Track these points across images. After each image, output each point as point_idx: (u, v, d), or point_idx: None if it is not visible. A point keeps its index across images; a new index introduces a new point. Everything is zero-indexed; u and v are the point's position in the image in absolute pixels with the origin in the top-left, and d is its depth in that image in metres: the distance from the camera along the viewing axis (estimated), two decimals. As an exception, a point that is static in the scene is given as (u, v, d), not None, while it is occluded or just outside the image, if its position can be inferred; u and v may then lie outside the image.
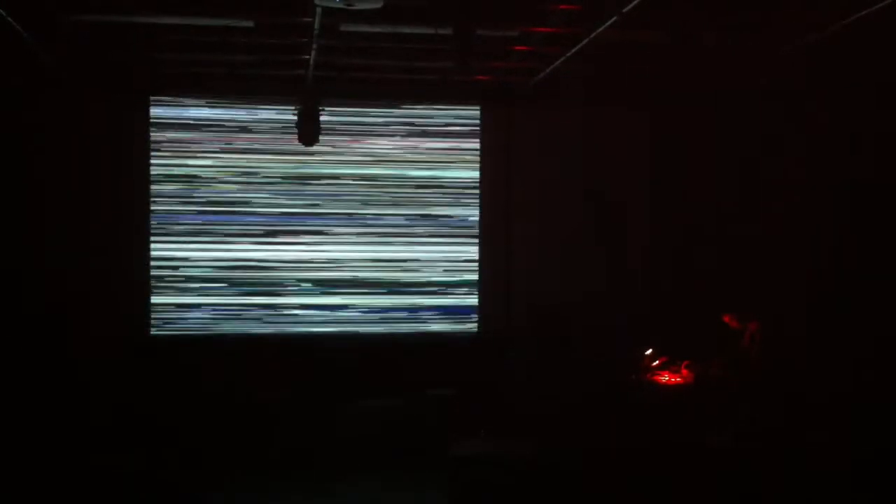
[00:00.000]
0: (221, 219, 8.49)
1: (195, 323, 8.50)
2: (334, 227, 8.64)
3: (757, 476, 5.82)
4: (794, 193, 7.41)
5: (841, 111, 6.78)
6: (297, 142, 8.03)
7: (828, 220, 7.04)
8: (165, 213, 8.40)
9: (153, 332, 8.41)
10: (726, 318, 6.90)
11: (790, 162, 7.43)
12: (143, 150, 8.30)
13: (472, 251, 8.84)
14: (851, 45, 6.24)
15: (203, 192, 8.45)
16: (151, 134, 8.31)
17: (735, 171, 8.16)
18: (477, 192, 8.80)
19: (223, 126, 8.44)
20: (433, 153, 8.74)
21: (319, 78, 7.81)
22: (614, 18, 5.78)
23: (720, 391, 6.58)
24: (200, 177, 8.43)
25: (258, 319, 8.59)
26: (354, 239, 8.67)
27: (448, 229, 8.82)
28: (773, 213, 7.73)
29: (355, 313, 8.72)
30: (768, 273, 7.62)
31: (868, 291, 6.51)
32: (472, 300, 8.86)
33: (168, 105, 8.35)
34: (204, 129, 8.41)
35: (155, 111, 8.31)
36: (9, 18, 5.98)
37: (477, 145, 8.77)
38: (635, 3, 5.42)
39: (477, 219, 8.82)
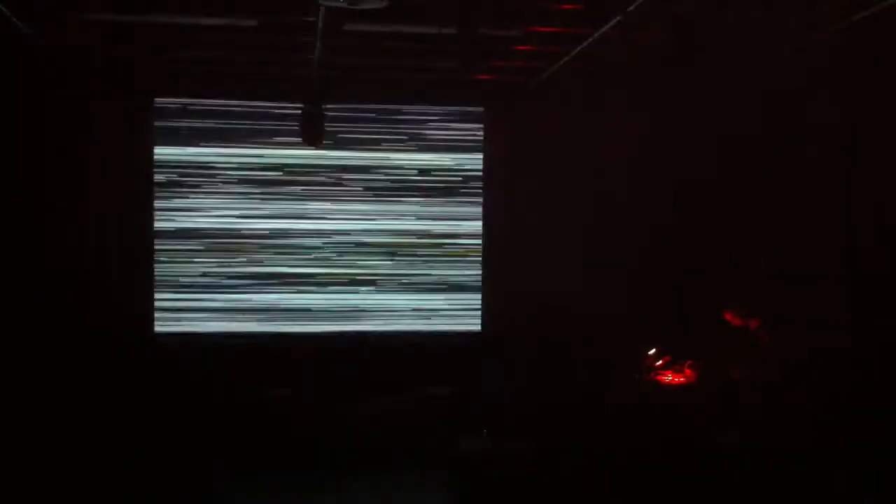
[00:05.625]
0: (224, 218, 8.51)
1: (198, 321, 8.51)
2: (335, 224, 8.66)
3: (763, 476, 5.81)
4: (796, 192, 7.40)
5: (844, 110, 6.78)
6: (300, 142, 8.05)
7: (830, 218, 7.04)
8: (168, 212, 8.42)
9: (156, 329, 8.42)
10: (728, 316, 6.89)
11: (792, 160, 7.42)
12: (146, 148, 8.32)
13: (474, 250, 8.85)
14: (853, 43, 6.25)
15: (206, 192, 8.47)
16: (155, 132, 8.36)
17: (737, 169, 8.15)
18: (479, 190, 8.81)
19: (228, 124, 8.48)
20: (435, 152, 8.76)
21: (323, 77, 7.82)
22: (618, 18, 5.80)
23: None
24: (205, 175, 8.46)
25: (260, 319, 8.60)
26: (355, 237, 8.69)
27: (450, 228, 8.83)
28: (775, 211, 7.72)
29: (356, 312, 8.73)
30: (770, 273, 7.62)
31: (870, 290, 6.50)
32: (474, 299, 8.87)
33: (172, 103, 8.39)
34: (208, 126, 8.46)
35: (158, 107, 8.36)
36: (12, 17, 6.00)
37: (480, 145, 8.79)
38: (638, 2, 5.44)
39: (479, 218, 8.83)
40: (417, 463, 7.44)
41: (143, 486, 6.45)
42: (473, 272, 8.87)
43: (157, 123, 8.34)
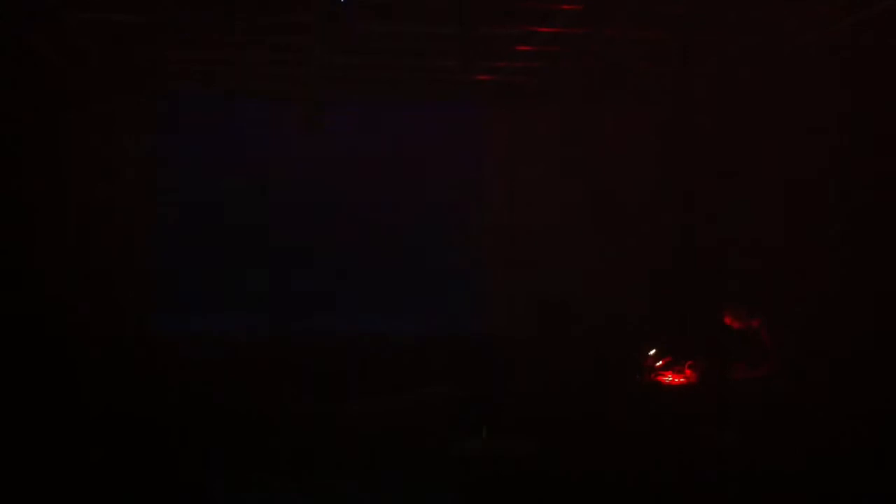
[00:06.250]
0: (225, 218, 8.52)
1: (197, 322, 8.51)
2: (335, 224, 8.66)
3: (763, 476, 5.81)
4: (796, 192, 7.41)
5: (844, 110, 6.78)
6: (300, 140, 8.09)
7: (830, 219, 7.05)
8: (169, 210, 8.43)
9: (154, 330, 8.42)
10: (727, 320, 6.87)
11: (793, 160, 7.43)
12: (147, 147, 8.33)
13: (474, 250, 8.85)
14: (853, 43, 6.26)
15: (207, 191, 8.48)
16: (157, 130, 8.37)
17: (738, 169, 8.16)
18: (479, 190, 8.81)
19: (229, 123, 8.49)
20: (435, 151, 8.76)
21: (322, 75, 7.83)
22: (617, 18, 5.81)
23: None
24: (206, 175, 8.47)
25: (259, 318, 8.60)
26: (355, 235, 8.69)
27: (450, 227, 8.83)
28: (775, 211, 7.73)
29: (356, 312, 8.73)
30: (770, 272, 7.62)
31: (869, 290, 6.51)
32: (474, 299, 8.87)
33: (172, 102, 8.40)
34: (207, 125, 8.47)
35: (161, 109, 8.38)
36: (12, 18, 6.00)
37: (479, 144, 8.79)
38: (637, 2, 5.45)
39: (479, 217, 8.83)
40: (417, 463, 7.44)
41: (143, 487, 6.44)
42: (473, 271, 8.86)
43: (157, 122, 8.35)
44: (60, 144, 8.06)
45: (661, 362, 7.04)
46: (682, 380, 6.87)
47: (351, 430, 7.88)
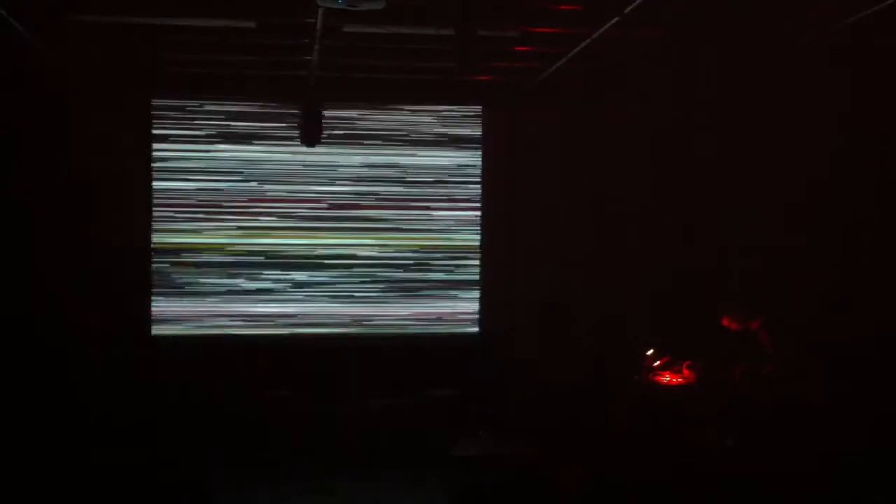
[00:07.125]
0: (224, 218, 8.51)
1: (196, 322, 8.51)
2: (335, 224, 8.65)
3: (760, 477, 5.81)
4: (796, 192, 7.41)
5: (844, 110, 6.78)
6: (298, 143, 8.11)
7: (830, 219, 7.04)
8: (167, 212, 8.42)
9: (154, 331, 8.42)
10: (725, 322, 6.85)
11: (793, 160, 7.42)
12: (147, 147, 8.32)
13: (473, 250, 8.84)
14: (853, 43, 6.25)
15: (205, 192, 8.48)
16: (153, 132, 8.36)
17: (738, 169, 8.16)
18: (478, 191, 8.80)
19: (227, 125, 8.48)
20: (434, 153, 8.75)
21: (321, 79, 7.83)
22: (616, 19, 5.80)
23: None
24: (203, 176, 8.46)
25: (259, 318, 8.59)
26: (355, 237, 8.67)
27: (449, 228, 8.82)
28: (775, 211, 7.73)
29: (356, 313, 8.72)
30: (770, 272, 7.62)
31: (869, 291, 6.50)
32: (474, 299, 8.86)
33: (171, 104, 8.40)
34: (207, 127, 8.46)
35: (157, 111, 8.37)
36: (10, 18, 6.00)
37: (478, 146, 8.78)
38: (637, 3, 5.44)
39: (478, 218, 8.82)
40: (417, 463, 7.45)
41: (142, 487, 6.45)
42: (473, 272, 8.86)
43: (155, 124, 8.35)
44: (60, 144, 8.05)
45: (658, 362, 7.04)
46: (679, 380, 6.87)
47: (351, 431, 7.88)
